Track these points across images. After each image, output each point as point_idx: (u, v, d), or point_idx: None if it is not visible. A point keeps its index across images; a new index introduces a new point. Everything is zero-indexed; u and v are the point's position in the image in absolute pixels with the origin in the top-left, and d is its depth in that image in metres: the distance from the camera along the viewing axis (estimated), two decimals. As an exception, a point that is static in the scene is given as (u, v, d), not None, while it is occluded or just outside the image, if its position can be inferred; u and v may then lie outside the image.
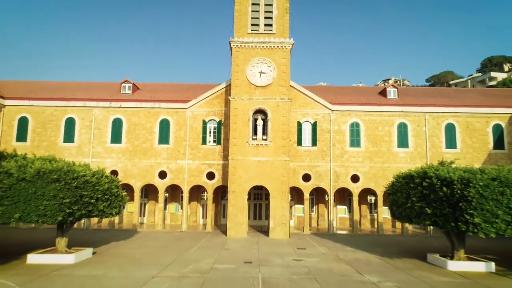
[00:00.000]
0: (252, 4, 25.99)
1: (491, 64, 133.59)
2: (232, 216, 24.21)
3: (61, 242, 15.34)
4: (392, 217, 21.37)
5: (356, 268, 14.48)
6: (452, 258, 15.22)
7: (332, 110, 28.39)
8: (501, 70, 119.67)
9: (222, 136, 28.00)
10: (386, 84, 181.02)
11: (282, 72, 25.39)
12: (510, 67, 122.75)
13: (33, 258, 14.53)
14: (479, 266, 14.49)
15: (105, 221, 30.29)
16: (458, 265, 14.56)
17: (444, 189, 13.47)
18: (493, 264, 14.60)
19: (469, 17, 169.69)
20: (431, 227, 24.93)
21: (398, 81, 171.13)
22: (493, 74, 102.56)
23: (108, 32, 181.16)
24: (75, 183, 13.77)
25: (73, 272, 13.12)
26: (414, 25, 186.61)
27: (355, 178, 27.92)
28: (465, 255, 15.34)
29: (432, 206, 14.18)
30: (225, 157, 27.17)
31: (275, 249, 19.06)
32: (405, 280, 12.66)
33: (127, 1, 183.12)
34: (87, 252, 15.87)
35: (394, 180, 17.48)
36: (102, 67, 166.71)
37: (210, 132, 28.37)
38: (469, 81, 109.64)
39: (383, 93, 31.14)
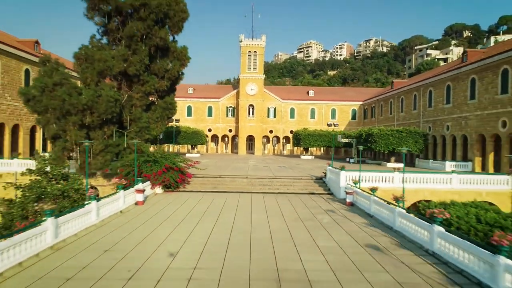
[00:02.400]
0: (248, 58, 61.48)
1: (452, 31, 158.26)
2: (239, 147, 62.30)
3: (193, 152, 53.39)
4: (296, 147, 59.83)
5: (278, 159, 52.90)
6: (304, 155, 53.62)
7: (282, 102, 65.25)
8: (461, 37, 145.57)
9: (235, 113, 65.02)
10: (368, 43, 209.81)
11: (259, 89, 61.81)
12: (468, 34, 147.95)
13: (187, 155, 52.47)
14: (310, 158, 52.87)
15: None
16: (304, 157, 52.85)
17: (297, 137, 51.42)
18: (314, 157, 53.14)
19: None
20: (320, 153, 63.80)
21: (378, 41, 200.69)
22: (429, 51, 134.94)
23: None
24: (202, 134, 51.52)
25: (202, 158, 51.19)
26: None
27: (291, 132, 65.64)
28: (308, 155, 53.77)
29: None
30: (237, 123, 64.38)
31: (255, 156, 57.47)
32: (286, 160, 51.04)
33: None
34: (199, 155, 53.97)
35: (293, 134, 55.43)
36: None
37: (230, 111, 65.35)
38: (413, 55, 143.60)
39: (308, 92, 67.69)
